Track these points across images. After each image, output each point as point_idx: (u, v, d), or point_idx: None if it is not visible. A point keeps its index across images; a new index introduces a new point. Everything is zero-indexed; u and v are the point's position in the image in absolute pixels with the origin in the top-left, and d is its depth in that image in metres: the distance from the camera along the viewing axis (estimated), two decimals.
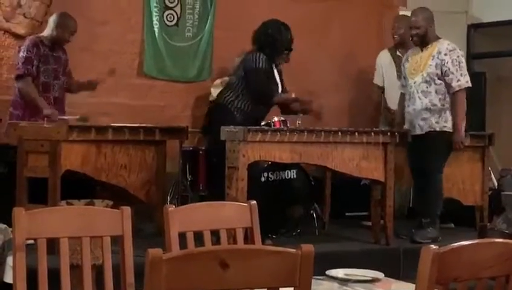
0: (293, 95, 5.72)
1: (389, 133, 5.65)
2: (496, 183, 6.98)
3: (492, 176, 6.92)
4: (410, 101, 5.85)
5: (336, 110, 7.51)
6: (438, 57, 5.69)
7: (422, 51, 5.81)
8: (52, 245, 2.66)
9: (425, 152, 5.75)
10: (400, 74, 6.69)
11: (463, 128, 5.75)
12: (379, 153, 5.59)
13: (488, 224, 5.66)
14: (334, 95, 7.62)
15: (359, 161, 5.52)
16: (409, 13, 7.59)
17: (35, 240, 2.49)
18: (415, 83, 5.79)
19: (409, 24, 5.90)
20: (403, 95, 6.03)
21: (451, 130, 5.73)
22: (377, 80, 6.99)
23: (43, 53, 5.68)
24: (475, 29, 8.39)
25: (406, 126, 5.90)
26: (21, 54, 5.66)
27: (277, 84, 5.77)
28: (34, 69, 5.62)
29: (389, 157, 5.60)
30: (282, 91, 5.82)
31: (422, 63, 5.76)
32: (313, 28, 7.54)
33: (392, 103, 6.85)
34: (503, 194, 6.02)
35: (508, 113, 8.41)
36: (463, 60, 5.74)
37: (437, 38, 5.83)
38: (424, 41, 5.79)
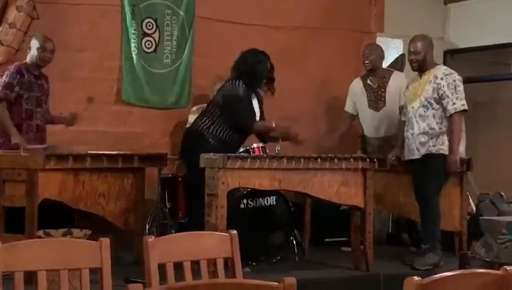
0: (273, 124, 5.70)
1: (368, 159, 5.66)
2: (474, 208, 7.00)
3: (471, 201, 6.95)
4: (409, 126, 5.89)
5: (313, 136, 7.51)
6: (434, 82, 5.73)
7: (421, 77, 5.87)
8: (30, 275, 2.63)
9: (422, 176, 5.80)
10: (371, 103, 6.75)
11: (460, 151, 5.76)
12: (358, 179, 5.59)
13: (469, 252, 5.66)
14: (312, 122, 7.62)
15: (338, 187, 5.52)
16: (381, 41, 7.69)
17: (12, 273, 2.45)
18: (413, 108, 5.84)
19: (408, 49, 5.93)
20: (403, 122, 6.05)
21: (447, 153, 5.74)
22: (348, 107, 6.97)
23: (27, 80, 5.67)
24: (451, 55, 8.47)
25: (405, 152, 5.93)
26: (3, 78, 5.65)
27: (255, 113, 5.76)
28: (13, 95, 5.59)
29: (368, 183, 5.60)
30: (260, 119, 5.81)
31: (420, 89, 5.81)
32: (291, 55, 7.56)
33: (364, 127, 6.89)
34: (482, 219, 6.04)
35: (485, 138, 8.49)
36: (459, 84, 5.74)
37: (435, 64, 5.91)
38: (422, 67, 5.84)
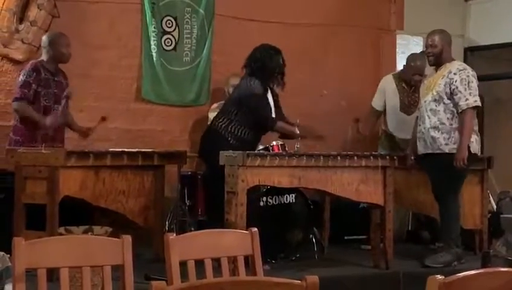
0: (298, 121, 5.68)
1: (388, 157, 5.64)
2: (494, 206, 6.96)
3: (491, 199, 6.91)
4: (421, 120, 5.84)
5: (333, 134, 7.50)
6: (447, 76, 5.67)
7: (436, 72, 5.83)
8: (52, 271, 2.65)
9: (437, 175, 5.76)
10: (403, 106, 6.71)
11: (474, 148, 5.72)
12: (378, 176, 5.58)
13: (491, 251, 5.62)
14: (331, 119, 7.61)
15: (358, 184, 5.50)
16: (401, 38, 7.65)
17: (35, 270, 2.47)
18: (425, 102, 5.79)
19: (426, 43, 5.89)
20: (417, 118, 6.02)
21: None
22: (376, 103, 6.93)
23: (43, 77, 5.67)
24: (472, 52, 8.43)
25: (419, 146, 5.87)
26: (20, 77, 5.67)
27: (271, 109, 5.77)
28: (31, 93, 5.60)
29: (388, 181, 5.58)
30: (276, 115, 5.81)
31: (434, 83, 5.76)
32: (309, 52, 7.55)
33: (393, 128, 6.84)
34: (502, 217, 6.02)
35: (506, 135, 8.43)
36: (473, 80, 5.67)
37: (452, 60, 5.85)
38: (438, 61, 5.79)
